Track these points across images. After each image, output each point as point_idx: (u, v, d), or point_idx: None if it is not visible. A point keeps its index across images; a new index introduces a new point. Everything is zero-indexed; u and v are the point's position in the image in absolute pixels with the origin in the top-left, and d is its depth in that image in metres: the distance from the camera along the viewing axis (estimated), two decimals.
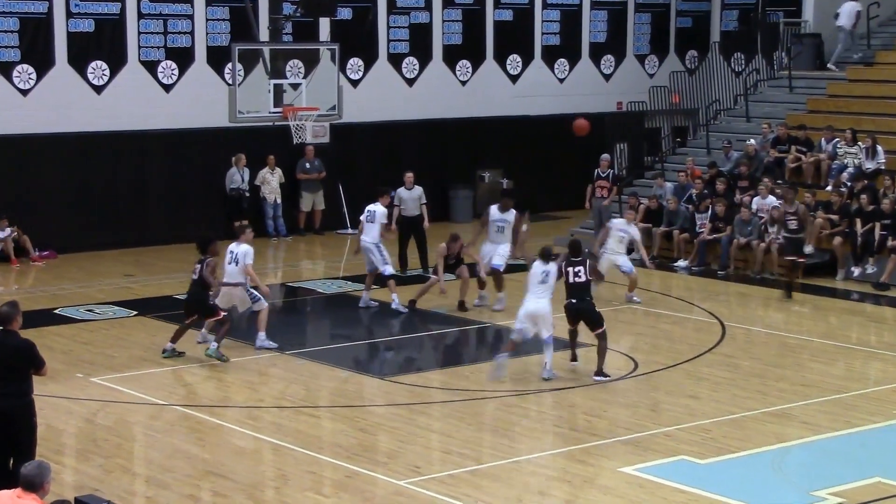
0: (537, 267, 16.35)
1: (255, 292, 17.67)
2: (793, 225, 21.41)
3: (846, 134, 24.99)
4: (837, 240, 22.96)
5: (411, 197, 22.74)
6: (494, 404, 15.26)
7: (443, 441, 13.92)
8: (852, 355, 17.98)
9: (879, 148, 24.53)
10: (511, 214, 20.04)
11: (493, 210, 20.21)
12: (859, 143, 24.73)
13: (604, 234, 21.18)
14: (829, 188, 24.38)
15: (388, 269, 19.94)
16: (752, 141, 25.99)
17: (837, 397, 15.51)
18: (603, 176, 25.43)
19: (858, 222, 22.80)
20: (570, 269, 16.42)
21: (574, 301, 16.45)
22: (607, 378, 16.26)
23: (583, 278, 16.40)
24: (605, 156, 25.94)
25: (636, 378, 16.42)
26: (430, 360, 18.06)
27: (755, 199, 24.03)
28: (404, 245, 22.76)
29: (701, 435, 13.94)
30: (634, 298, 20.72)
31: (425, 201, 22.89)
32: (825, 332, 19.25)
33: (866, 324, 20.04)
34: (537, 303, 16.23)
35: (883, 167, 24.34)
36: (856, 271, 22.71)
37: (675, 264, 24.09)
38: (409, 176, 22.82)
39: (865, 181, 23.75)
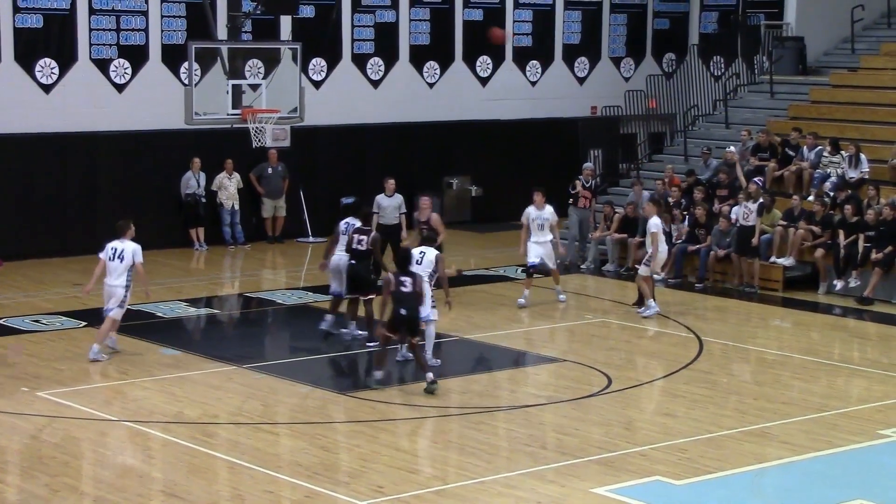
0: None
1: (126, 296, 17.52)
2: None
3: (827, 141, 24.72)
4: (819, 252, 22.77)
5: (391, 205, 22.33)
6: (461, 421, 15.11)
7: (407, 460, 13.73)
8: (834, 372, 17.72)
9: (863, 156, 24.31)
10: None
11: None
12: (842, 151, 24.44)
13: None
14: (811, 198, 24.01)
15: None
16: (732, 148, 25.81)
17: (818, 416, 15.43)
18: (587, 186, 24.84)
19: (841, 234, 22.55)
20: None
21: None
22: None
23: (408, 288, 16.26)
24: (589, 165, 25.49)
25: (610, 395, 16.24)
26: (395, 375, 17.63)
27: (734, 208, 23.69)
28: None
29: (677, 455, 13.81)
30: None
31: (405, 210, 22.59)
32: (806, 348, 19.13)
33: (849, 339, 19.95)
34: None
35: (867, 177, 24.12)
36: (838, 285, 22.45)
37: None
38: (391, 182, 22.55)
39: (849, 191, 23.49)
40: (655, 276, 21.04)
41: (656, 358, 18.43)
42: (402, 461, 13.66)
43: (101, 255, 17.56)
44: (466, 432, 14.62)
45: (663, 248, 20.68)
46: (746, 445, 14.15)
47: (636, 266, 21.61)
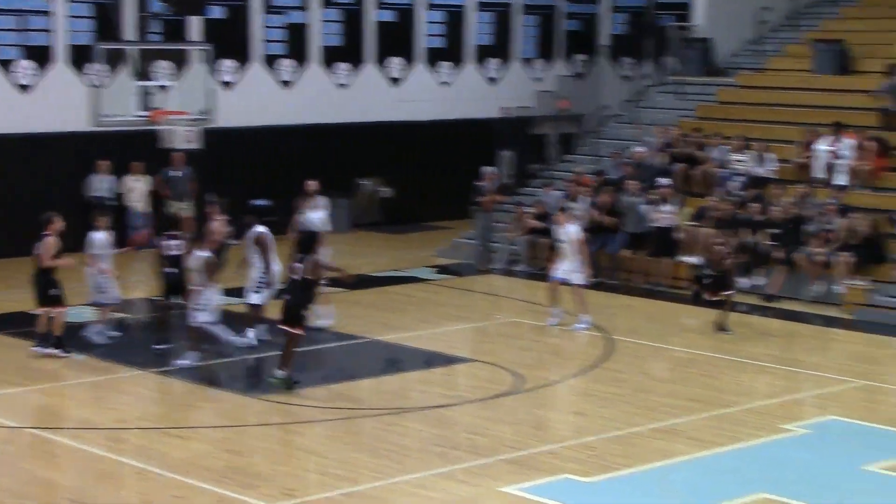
0: None
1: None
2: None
3: (735, 141, 24.98)
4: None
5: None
6: (373, 423, 15.09)
7: (318, 462, 13.67)
8: (740, 369, 17.89)
9: (770, 156, 24.57)
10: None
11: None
12: (749, 150, 24.61)
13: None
14: (718, 197, 24.04)
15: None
16: (641, 148, 25.75)
17: (725, 412, 15.57)
18: (489, 189, 24.86)
19: (748, 232, 22.63)
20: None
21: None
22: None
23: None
24: (489, 168, 25.54)
25: (520, 394, 16.26)
26: (305, 377, 17.47)
27: (643, 206, 23.81)
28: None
29: (586, 453, 13.89)
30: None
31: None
32: (713, 346, 19.21)
33: (754, 336, 20.03)
34: None
35: (773, 176, 24.30)
36: (745, 282, 22.45)
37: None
38: (312, 185, 22.56)
39: (755, 190, 23.69)
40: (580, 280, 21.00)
41: (567, 357, 18.52)
42: (312, 463, 13.62)
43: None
44: (377, 433, 14.59)
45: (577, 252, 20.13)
46: (655, 442, 14.26)
47: (554, 273, 20.39)
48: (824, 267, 21.64)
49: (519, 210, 25.12)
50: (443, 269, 24.77)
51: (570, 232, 20.06)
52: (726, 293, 19.72)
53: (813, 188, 23.34)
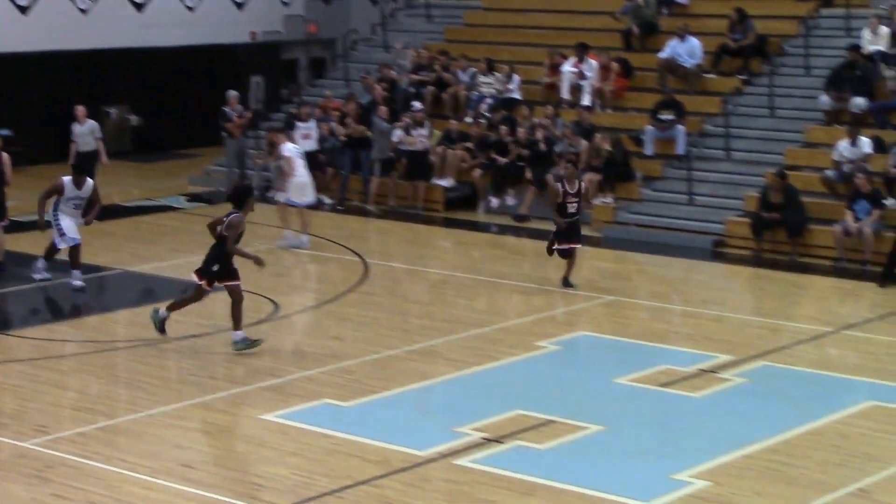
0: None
1: None
2: (572, 208, 17.83)
3: (482, 64, 25.17)
4: (477, 172, 23.22)
5: (83, 131, 22.66)
6: (127, 355, 14.91)
7: (72, 398, 13.48)
8: (494, 289, 18.17)
9: (516, 77, 24.95)
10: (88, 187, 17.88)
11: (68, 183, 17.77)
12: (496, 72, 24.90)
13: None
14: (468, 119, 24.36)
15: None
16: (392, 71, 25.76)
17: (480, 332, 15.79)
18: (234, 114, 24.51)
19: (497, 153, 22.92)
20: None
21: None
22: None
23: None
24: (233, 93, 25.13)
25: (277, 321, 16.27)
26: (56, 311, 17.40)
27: (396, 131, 23.68)
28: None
29: (344, 377, 13.97)
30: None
31: (100, 136, 22.85)
32: (468, 266, 19.46)
33: (507, 256, 20.44)
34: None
35: (519, 97, 24.65)
36: (496, 203, 22.82)
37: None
38: (81, 109, 22.77)
39: (503, 112, 23.98)
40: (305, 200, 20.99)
41: (323, 282, 18.56)
42: (65, 399, 13.39)
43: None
44: (133, 366, 14.42)
45: (300, 172, 20.06)
46: (412, 364, 14.43)
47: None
48: None
49: (269, 135, 24.85)
50: (195, 198, 24.43)
51: (284, 151, 20.04)
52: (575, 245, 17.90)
53: (560, 109, 23.82)
